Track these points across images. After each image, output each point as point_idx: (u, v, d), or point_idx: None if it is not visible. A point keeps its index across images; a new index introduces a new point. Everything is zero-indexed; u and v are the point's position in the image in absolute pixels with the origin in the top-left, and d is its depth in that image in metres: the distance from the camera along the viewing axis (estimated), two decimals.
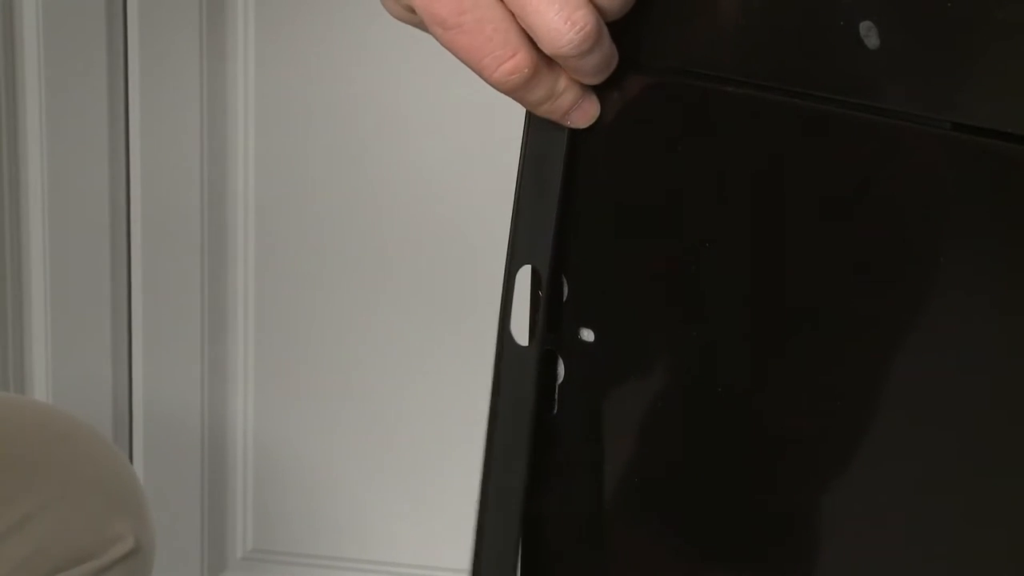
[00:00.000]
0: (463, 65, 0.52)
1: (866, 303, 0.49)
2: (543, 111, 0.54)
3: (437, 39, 0.51)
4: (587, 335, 0.57)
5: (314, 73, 1.44)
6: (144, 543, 0.95)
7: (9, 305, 1.40)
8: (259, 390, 1.53)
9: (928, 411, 0.48)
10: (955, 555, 0.48)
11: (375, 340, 1.50)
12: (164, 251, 1.47)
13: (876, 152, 0.48)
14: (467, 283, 1.46)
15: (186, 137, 1.44)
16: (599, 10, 0.50)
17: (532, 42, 0.50)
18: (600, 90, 0.54)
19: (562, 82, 0.53)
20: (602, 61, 0.51)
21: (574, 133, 0.55)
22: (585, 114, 0.54)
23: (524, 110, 0.55)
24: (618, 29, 0.51)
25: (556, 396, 0.59)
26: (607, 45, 0.51)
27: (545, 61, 0.51)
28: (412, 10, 0.52)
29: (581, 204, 0.56)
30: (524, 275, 0.57)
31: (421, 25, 0.53)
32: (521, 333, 0.58)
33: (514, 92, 0.52)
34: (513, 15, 0.50)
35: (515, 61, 0.51)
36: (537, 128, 0.55)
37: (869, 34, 0.46)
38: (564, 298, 0.57)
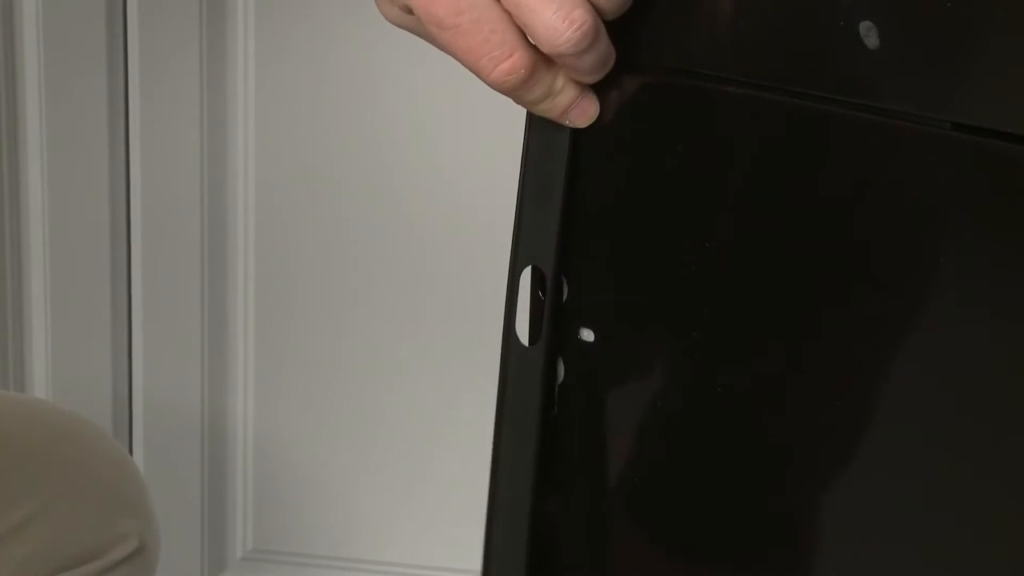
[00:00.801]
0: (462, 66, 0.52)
1: (866, 303, 0.49)
2: (541, 110, 0.54)
3: (434, 40, 0.51)
4: (587, 335, 0.57)
5: (314, 73, 1.44)
6: (148, 543, 0.95)
7: (9, 304, 1.40)
8: (259, 390, 1.53)
9: (927, 411, 0.48)
10: (955, 555, 0.48)
11: (375, 340, 1.50)
12: (164, 251, 1.47)
13: (876, 152, 0.48)
14: (467, 284, 1.46)
15: (186, 137, 1.44)
16: (596, 8, 0.50)
17: (528, 42, 0.51)
18: (600, 91, 0.54)
19: (560, 81, 0.53)
20: (599, 59, 0.51)
21: (575, 133, 0.55)
22: (584, 113, 0.54)
23: (525, 111, 0.55)
24: (619, 29, 0.51)
25: (556, 396, 0.59)
26: (604, 43, 0.51)
27: (542, 60, 0.51)
28: (408, 11, 0.52)
29: (581, 204, 0.56)
30: (524, 275, 0.57)
31: (416, 28, 0.53)
32: (521, 334, 0.58)
33: (512, 92, 0.52)
34: (510, 15, 0.50)
35: (512, 61, 0.51)
36: (538, 129, 0.55)
37: (869, 34, 0.46)
38: (564, 298, 0.57)
